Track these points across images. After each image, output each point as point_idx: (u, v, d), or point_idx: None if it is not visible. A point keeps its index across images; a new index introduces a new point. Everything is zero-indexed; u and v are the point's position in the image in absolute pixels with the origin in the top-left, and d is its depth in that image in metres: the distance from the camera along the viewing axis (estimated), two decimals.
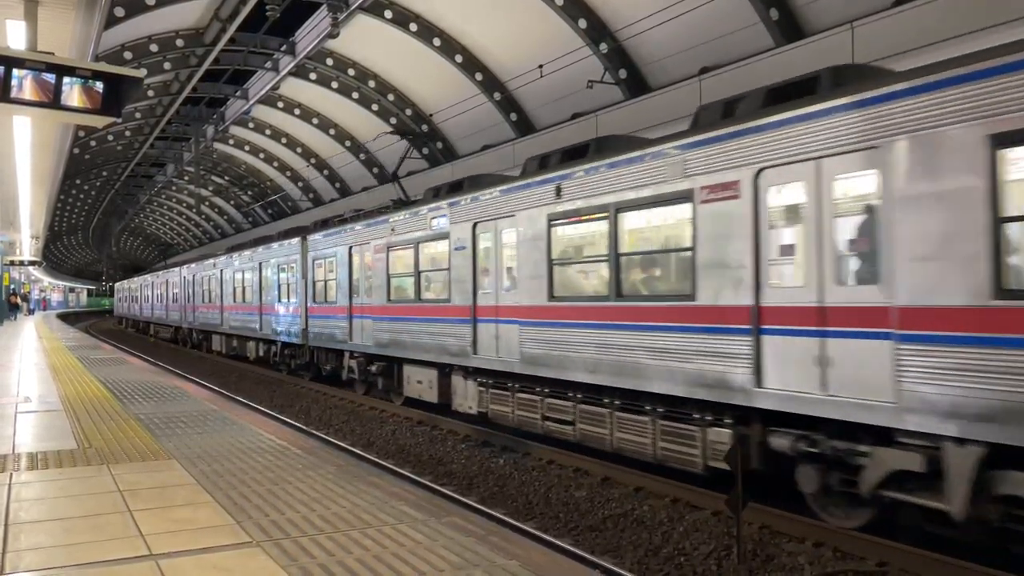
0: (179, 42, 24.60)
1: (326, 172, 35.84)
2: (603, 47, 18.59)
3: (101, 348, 24.19)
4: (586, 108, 19.65)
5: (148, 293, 46.32)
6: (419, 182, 25.36)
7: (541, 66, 19.72)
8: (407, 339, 14.27)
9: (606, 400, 9.71)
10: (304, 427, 14.06)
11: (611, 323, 9.34)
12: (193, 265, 33.95)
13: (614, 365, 9.27)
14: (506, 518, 8.25)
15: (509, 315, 11.36)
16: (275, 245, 22.58)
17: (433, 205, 13.54)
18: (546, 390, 10.84)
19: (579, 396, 10.18)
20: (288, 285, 21.26)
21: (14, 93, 6.86)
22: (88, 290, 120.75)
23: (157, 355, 31.07)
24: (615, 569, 6.74)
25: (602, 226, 9.61)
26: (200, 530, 4.62)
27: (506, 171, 16.83)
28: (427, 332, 13.55)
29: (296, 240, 20.66)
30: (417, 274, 14.09)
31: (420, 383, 14.21)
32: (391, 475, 8.38)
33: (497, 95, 22.73)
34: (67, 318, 67.85)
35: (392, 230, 14.93)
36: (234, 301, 26.76)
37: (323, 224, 20.27)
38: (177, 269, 37.50)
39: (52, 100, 7.03)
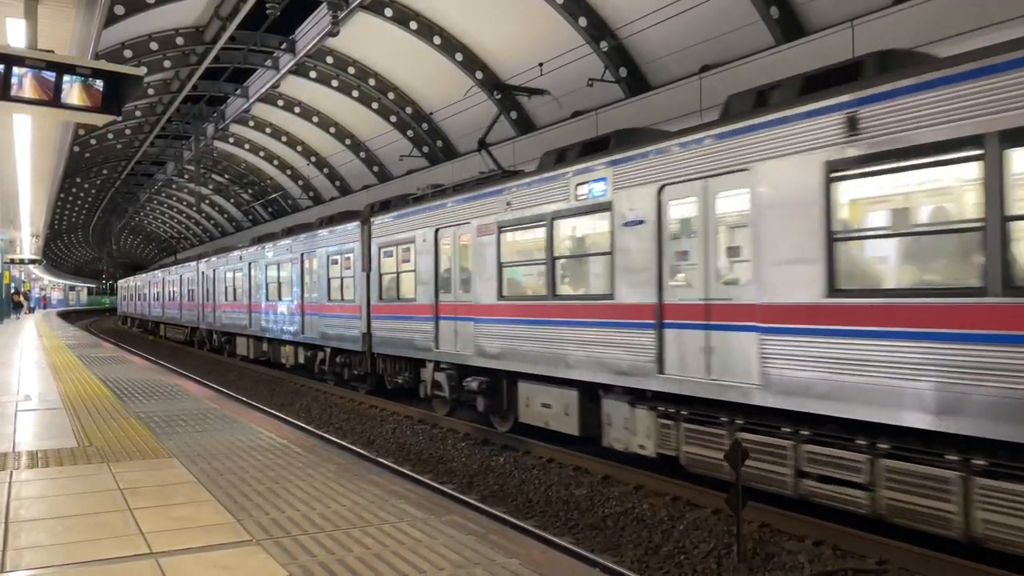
0: (179, 40, 24.60)
1: (326, 170, 35.87)
2: (603, 45, 18.58)
3: (101, 346, 24.20)
4: (586, 106, 19.66)
5: (158, 291, 42.15)
6: (420, 181, 25.38)
7: (541, 64, 19.71)
8: (532, 348, 11.02)
9: (951, 458, 6.25)
10: (304, 425, 14.08)
11: (992, 334, 5.85)
12: (213, 259, 30.06)
13: (994, 404, 5.80)
14: (506, 516, 8.26)
15: (734, 318, 7.95)
16: (324, 232, 19.10)
17: (582, 166, 10.11)
18: (803, 432, 7.46)
19: (882, 446, 6.77)
20: (342, 279, 17.92)
21: (14, 91, 6.86)
22: (88, 288, 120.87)
23: (158, 354, 31.08)
24: (615, 567, 6.75)
25: (966, 172, 6.11)
26: (200, 528, 4.63)
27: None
28: (569, 340, 10.32)
29: (354, 224, 17.18)
30: (551, 261, 10.73)
31: (548, 407, 10.94)
32: (391, 473, 8.39)
33: (497, 93, 22.72)
34: (67, 316, 67.91)
35: (508, 204, 11.62)
36: (267, 299, 23.27)
37: (384, 206, 17.03)
38: (193, 263, 33.57)
39: (52, 98, 7.04)
